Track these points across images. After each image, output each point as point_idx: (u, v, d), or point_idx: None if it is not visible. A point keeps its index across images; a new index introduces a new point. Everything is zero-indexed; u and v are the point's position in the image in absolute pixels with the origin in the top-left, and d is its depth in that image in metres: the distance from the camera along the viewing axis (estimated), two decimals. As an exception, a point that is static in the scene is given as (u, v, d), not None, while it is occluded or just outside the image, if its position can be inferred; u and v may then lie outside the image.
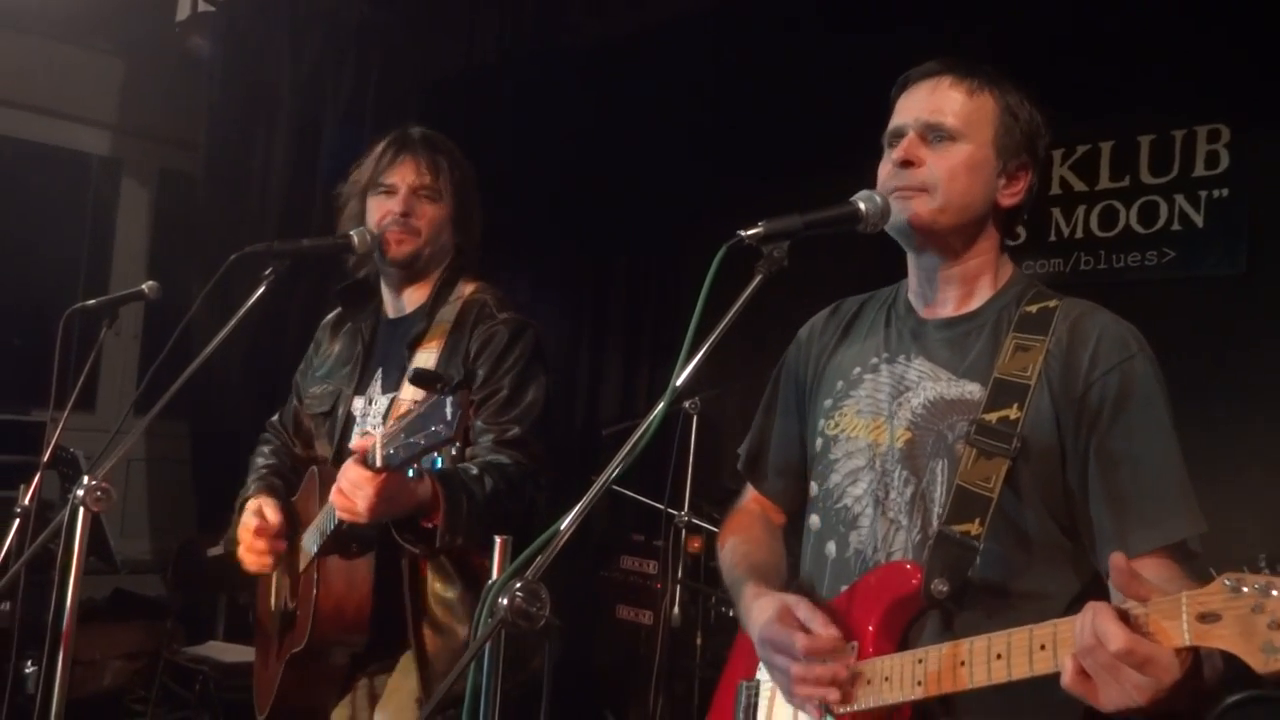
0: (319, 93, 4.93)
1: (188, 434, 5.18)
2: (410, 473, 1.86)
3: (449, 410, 1.64)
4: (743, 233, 1.40)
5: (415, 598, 2.09)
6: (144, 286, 2.85)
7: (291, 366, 2.62)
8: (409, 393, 2.18)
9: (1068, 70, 3.66)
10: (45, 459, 2.60)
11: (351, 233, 2.24)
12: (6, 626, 3.16)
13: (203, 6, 4.91)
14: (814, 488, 1.71)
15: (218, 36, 5.09)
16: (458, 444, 1.87)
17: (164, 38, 5.27)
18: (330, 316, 2.53)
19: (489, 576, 2.03)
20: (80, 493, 1.78)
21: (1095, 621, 1.16)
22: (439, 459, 2.02)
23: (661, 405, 1.28)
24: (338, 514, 1.92)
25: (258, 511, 2.24)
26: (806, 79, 4.16)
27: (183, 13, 5.04)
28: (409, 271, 2.30)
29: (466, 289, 2.30)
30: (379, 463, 1.81)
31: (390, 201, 2.26)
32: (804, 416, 1.78)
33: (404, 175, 2.27)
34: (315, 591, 2.11)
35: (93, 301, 2.82)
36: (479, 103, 4.57)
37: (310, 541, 2.18)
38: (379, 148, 2.32)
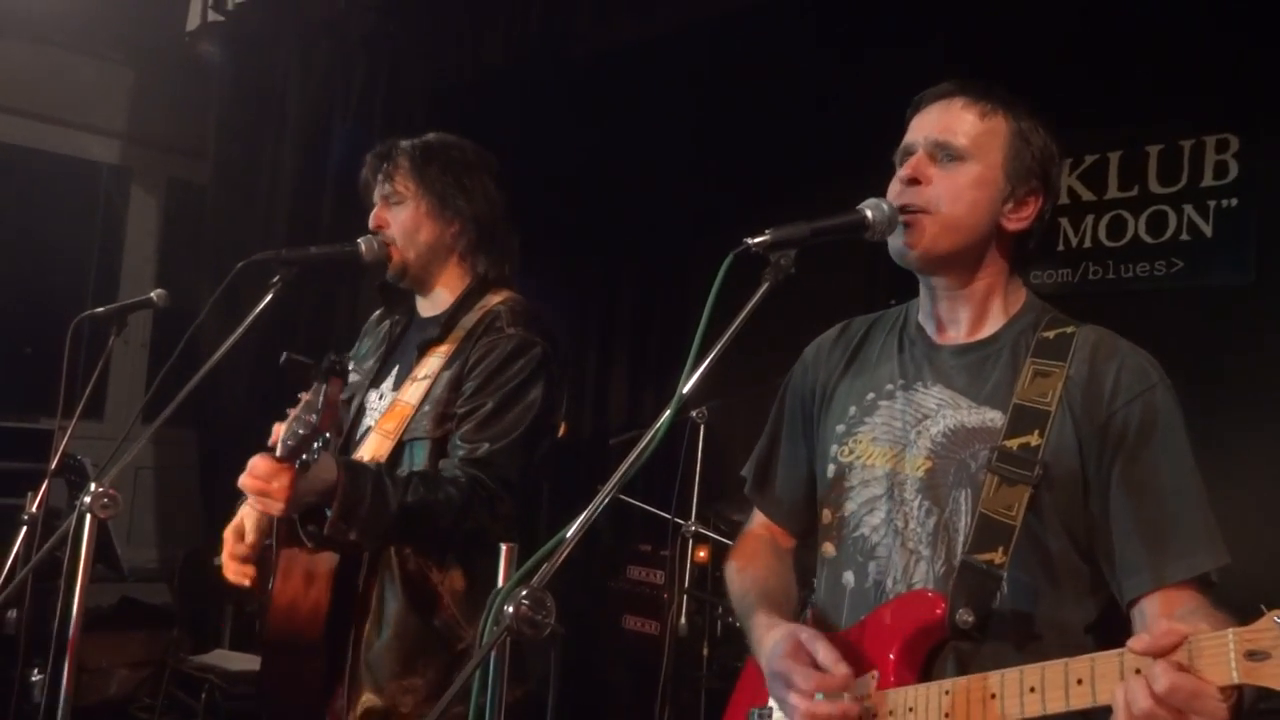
0: (327, 101, 4.96)
1: (195, 442, 5.20)
2: (302, 461, 1.85)
3: (320, 399, 1.66)
4: (750, 240, 1.40)
5: (362, 604, 2.08)
6: (153, 294, 2.87)
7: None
8: (408, 393, 2.18)
9: (1075, 79, 3.66)
10: (53, 466, 2.61)
11: (360, 241, 2.24)
12: (12, 634, 3.17)
13: (212, 16, 4.93)
14: (827, 515, 1.69)
15: (226, 46, 5.12)
16: (327, 435, 1.82)
17: (173, 48, 5.29)
18: (377, 314, 2.53)
19: (444, 597, 2.04)
20: (87, 500, 1.78)
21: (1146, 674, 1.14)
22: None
23: (668, 413, 1.28)
24: (252, 504, 1.93)
25: (237, 528, 2.22)
26: (815, 88, 4.16)
27: (192, 22, 5.05)
28: (410, 280, 2.30)
29: (493, 299, 2.27)
30: (278, 453, 1.83)
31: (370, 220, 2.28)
32: (812, 440, 1.76)
33: (375, 190, 2.29)
34: (273, 583, 2.09)
35: (101, 309, 2.84)
36: (486, 110, 4.58)
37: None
38: (365, 167, 2.33)
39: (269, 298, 2.08)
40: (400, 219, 2.26)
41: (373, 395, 2.30)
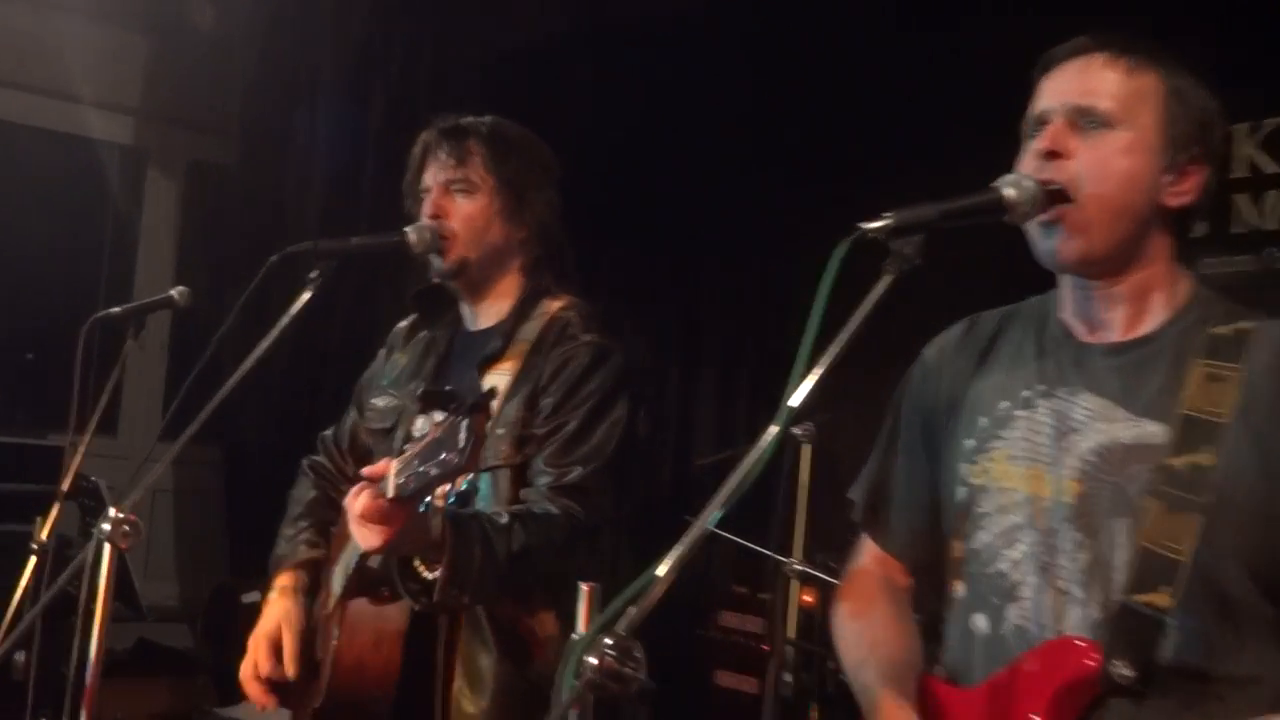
0: (366, 72, 5.05)
1: (220, 461, 5.32)
2: (421, 506, 1.89)
3: (462, 435, 1.66)
4: (867, 225, 1.38)
5: (447, 662, 2.11)
6: (173, 292, 2.93)
7: (336, 382, 2.67)
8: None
9: (1252, 31, 3.56)
10: (66, 488, 2.67)
11: (407, 229, 2.27)
12: (20, 679, 3.27)
13: None
14: (955, 547, 1.66)
15: (252, 10, 5.24)
16: (470, 476, 1.87)
17: (193, 11, 5.43)
18: (405, 322, 2.58)
19: (538, 644, 2.08)
20: (106, 527, 1.82)
21: None
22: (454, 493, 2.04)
23: (775, 429, 1.28)
24: (359, 544, 1.95)
25: (271, 634, 2.26)
26: (916, 60, 4.12)
27: (216, -19, 5.22)
28: (465, 282, 2.34)
29: (553, 305, 2.32)
30: (391, 492, 1.84)
31: (425, 205, 2.32)
32: (935, 457, 1.73)
33: (434, 172, 2.33)
34: (336, 641, 2.12)
35: (116, 309, 2.91)
36: (546, 85, 4.63)
37: (337, 580, 2.22)
38: (416, 146, 2.38)
39: (305, 296, 2.12)
40: (466, 211, 2.30)
41: (421, 422, 2.33)
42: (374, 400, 2.49)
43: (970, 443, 1.66)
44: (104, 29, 5.67)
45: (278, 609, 2.32)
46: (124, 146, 6.03)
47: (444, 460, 1.71)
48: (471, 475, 1.87)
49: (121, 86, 5.84)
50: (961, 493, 1.65)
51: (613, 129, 4.64)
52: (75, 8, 5.49)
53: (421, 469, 1.76)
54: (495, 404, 2.19)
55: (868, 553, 1.84)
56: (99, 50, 5.65)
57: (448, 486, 2.00)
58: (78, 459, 2.70)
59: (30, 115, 5.70)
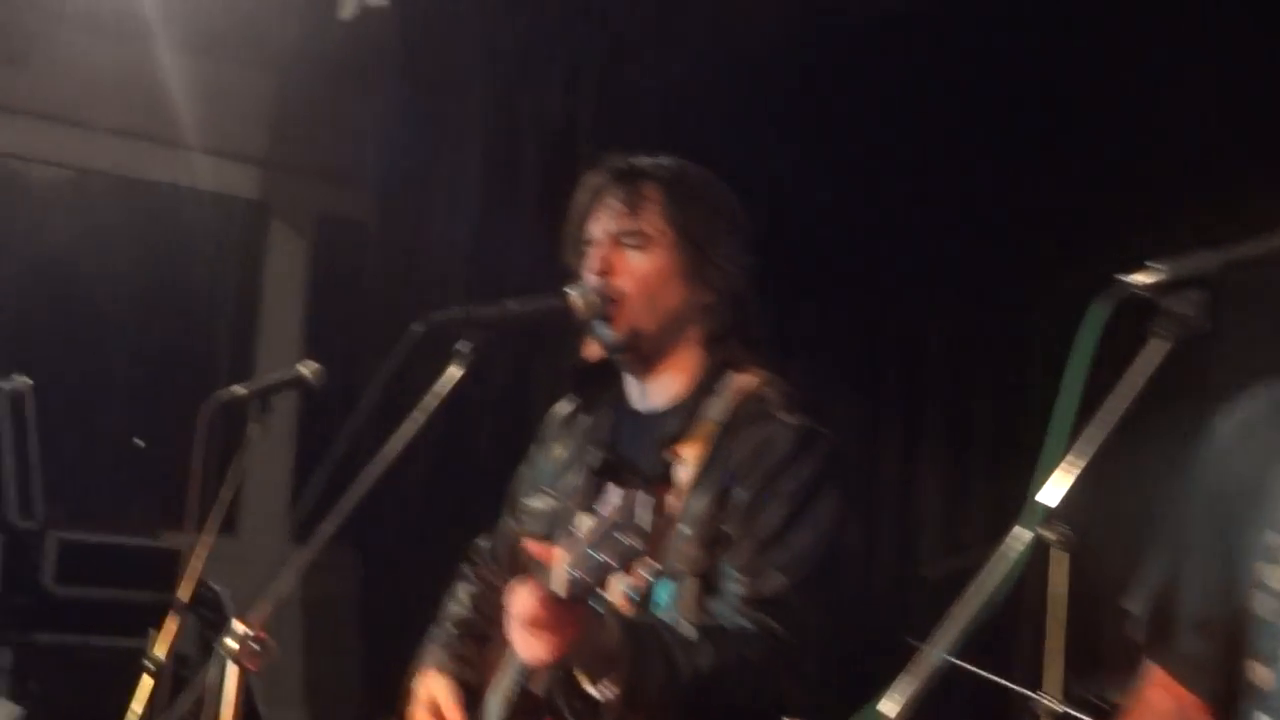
0: (519, 110, 5.18)
1: (355, 566, 5.43)
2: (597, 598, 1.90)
3: (642, 513, 1.67)
4: (1131, 279, 1.37)
5: None
6: (302, 368, 3.02)
7: (489, 473, 2.72)
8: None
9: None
10: (186, 598, 2.76)
11: (569, 291, 2.32)
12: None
13: (372, 0, 5.21)
14: (1260, 672, 1.60)
15: (393, 38, 5.41)
16: (656, 570, 1.87)
17: (324, 45, 5.61)
18: (562, 406, 2.63)
19: None
20: (231, 644, 1.87)
21: None
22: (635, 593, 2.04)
23: (1024, 533, 1.27)
24: (520, 658, 1.97)
25: (430, 706, 2.32)
26: (1204, 68, 4.03)
27: (347, 10, 5.36)
28: (635, 354, 2.37)
29: (744, 380, 2.34)
30: (562, 588, 1.85)
31: (589, 260, 2.36)
32: (1233, 556, 1.67)
33: (602, 222, 2.37)
34: None
35: (240, 388, 3.02)
36: (738, 110, 4.66)
37: (493, 713, 2.25)
38: (580, 190, 2.43)
39: (455, 373, 2.18)
40: (640, 269, 2.34)
41: (586, 521, 2.34)
42: (529, 502, 2.53)
43: (1276, 538, 1.60)
44: (220, 66, 5.85)
45: (427, 686, 2.38)
46: (246, 200, 6.26)
47: (620, 545, 1.72)
48: (652, 572, 1.85)
49: (241, 132, 6.03)
50: (1264, 605, 1.59)
51: (813, 160, 4.65)
52: (187, 44, 5.65)
53: (596, 557, 1.78)
54: (677, 495, 2.20)
55: (1153, 680, 1.78)
56: (215, 91, 5.81)
57: (625, 582, 2.00)
58: (198, 563, 2.78)
59: (137, 166, 5.95)
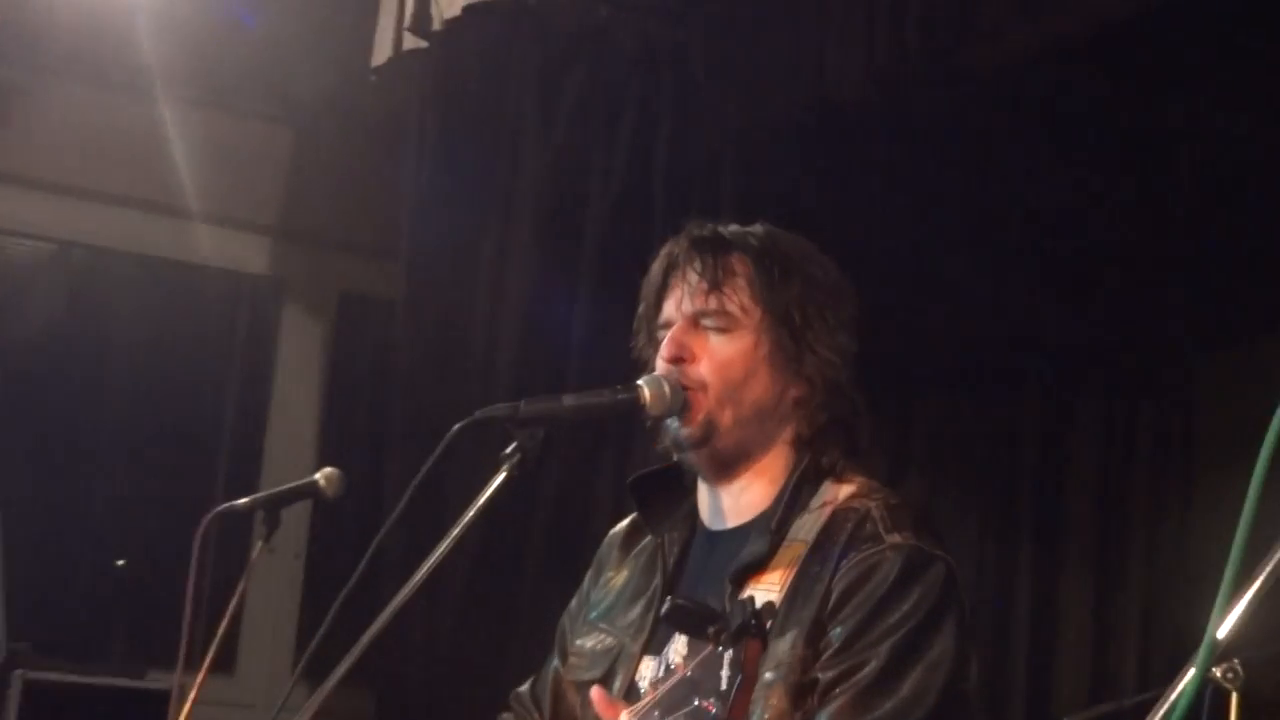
0: (586, 166, 5.23)
1: (370, 714, 5.41)
2: None
3: (725, 674, 1.66)
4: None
5: None
6: (318, 476, 3.06)
7: (535, 604, 2.71)
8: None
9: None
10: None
11: (641, 383, 2.32)
12: None
13: (409, 43, 5.22)
14: None
15: (433, 87, 5.47)
16: None
17: (351, 97, 5.69)
18: (622, 526, 2.63)
19: None
20: None
21: None
22: None
23: (1192, 674, 1.26)
24: None
25: None
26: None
27: (380, 55, 5.42)
28: (711, 455, 2.36)
29: (841, 491, 2.33)
30: None
31: (664, 347, 2.36)
32: None
33: (679, 300, 2.38)
34: None
35: (242, 501, 3.04)
36: (826, 163, 4.69)
37: None
38: (654, 264, 2.44)
39: (499, 480, 2.18)
40: (724, 354, 2.34)
41: (649, 666, 2.33)
42: (581, 641, 2.51)
43: None
44: (229, 122, 5.97)
45: None
46: (256, 276, 6.33)
47: (698, 710, 1.73)
48: None
49: (256, 199, 6.11)
50: None
51: (915, 220, 4.67)
52: (191, 96, 5.75)
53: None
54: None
55: None
56: (222, 151, 5.89)
57: None
58: (189, 707, 2.79)
59: (131, 238, 6.00)
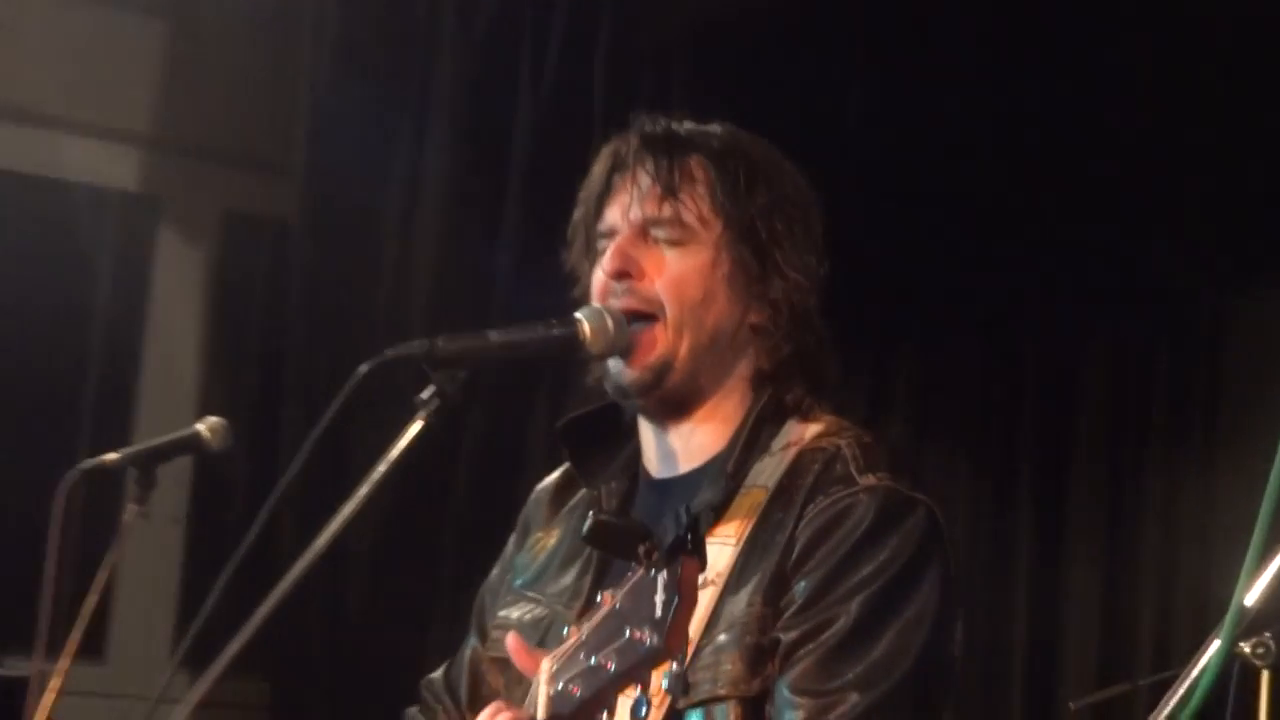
0: (507, 62, 5.21)
1: (265, 704, 5.41)
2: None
3: (659, 598, 1.65)
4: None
5: None
6: (199, 426, 3.05)
7: (451, 578, 2.70)
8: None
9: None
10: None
11: (580, 316, 2.31)
12: None
13: None
14: None
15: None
16: (683, 669, 1.87)
17: None
18: (552, 479, 2.64)
19: None
20: None
21: None
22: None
23: (1218, 647, 1.26)
24: None
25: None
26: None
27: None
28: (661, 395, 2.36)
29: (807, 430, 2.34)
30: (541, 710, 1.87)
31: (605, 260, 2.36)
32: None
33: (625, 206, 2.37)
34: None
35: (111, 456, 3.02)
36: (794, 58, 4.69)
37: None
38: (596, 165, 2.44)
39: (414, 431, 2.17)
40: (678, 270, 2.34)
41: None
42: (505, 613, 2.52)
43: None
44: (93, 13, 5.86)
45: None
46: (125, 193, 6.22)
47: (630, 643, 1.70)
48: (676, 685, 1.84)
49: (122, 104, 6.01)
50: None
51: (897, 141, 4.68)
52: None
53: (592, 663, 1.78)
54: (712, 588, 2.19)
55: None
56: (87, 48, 5.82)
57: (636, 694, 1.94)
58: (52, 697, 2.75)
59: None
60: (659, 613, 1.64)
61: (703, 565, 1.81)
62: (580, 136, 4.52)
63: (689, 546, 1.68)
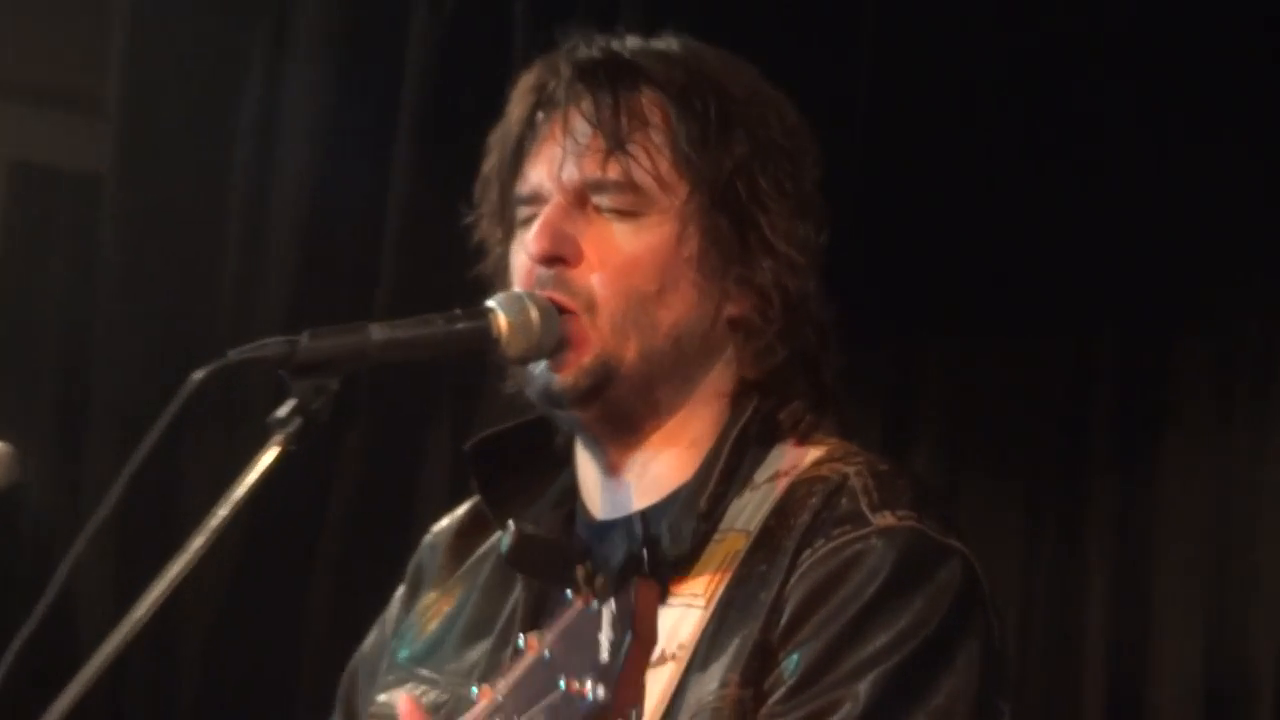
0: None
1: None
2: None
3: (604, 638, 1.64)
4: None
5: None
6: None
7: (336, 637, 2.70)
8: None
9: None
10: None
11: (493, 305, 2.30)
12: None
13: None
14: None
15: None
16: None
17: None
18: (453, 518, 2.66)
19: None
20: None
21: None
22: None
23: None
24: None
25: None
26: None
27: None
28: (604, 411, 2.37)
29: (804, 455, 2.35)
30: None
31: (529, 236, 2.34)
32: None
33: (555, 161, 2.36)
34: None
35: None
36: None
37: None
38: (513, 100, 2.43)
39: (268, 456, 2.15)
40: (628, 253, 2.34)
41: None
42: (385, 697, 2.52)
43: None
44: None
45: None
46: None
47: (565, 700, 1.68)
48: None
49: None
50: None
51: (914, 81, 4.73)
52: None
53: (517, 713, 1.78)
54: (674, 664, 2.18)
55: None
56: None
57: None
58: None
59: None
60: (604, 656, 1.61)
61: (664, 593, 1.82)
62: (495, 58, 4.55)
63: (644, 567, 1.68)
